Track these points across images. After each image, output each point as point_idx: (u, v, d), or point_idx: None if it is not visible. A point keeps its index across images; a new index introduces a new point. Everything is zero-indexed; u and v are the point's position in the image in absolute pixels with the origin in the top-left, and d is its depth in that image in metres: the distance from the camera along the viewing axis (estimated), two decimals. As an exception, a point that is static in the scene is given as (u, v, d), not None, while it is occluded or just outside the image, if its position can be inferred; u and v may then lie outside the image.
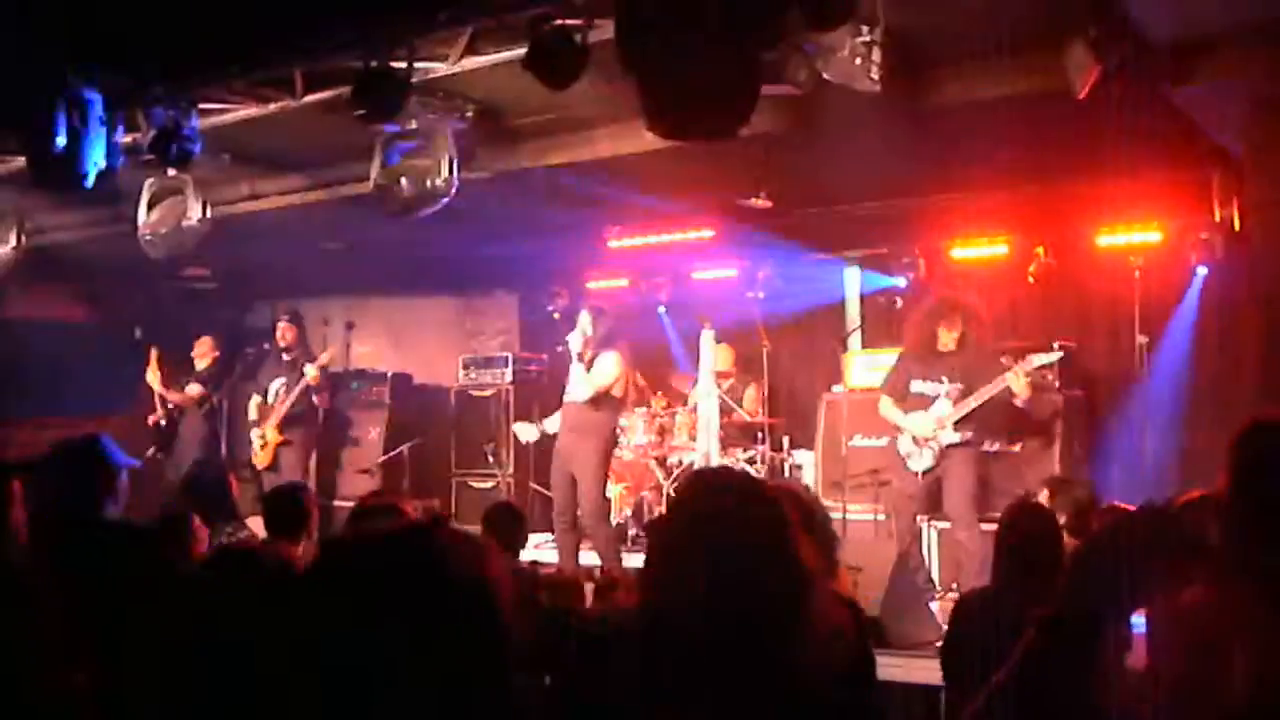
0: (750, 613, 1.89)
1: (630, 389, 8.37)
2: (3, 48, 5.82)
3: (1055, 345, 7.48)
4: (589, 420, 7.76)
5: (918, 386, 7.34)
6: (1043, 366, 7.27)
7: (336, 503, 10.32)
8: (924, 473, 7.25)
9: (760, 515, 2.01)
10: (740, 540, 1.96)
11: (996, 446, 8.13)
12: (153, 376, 10.22)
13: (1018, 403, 7.16)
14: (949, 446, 7.16)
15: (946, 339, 7.32)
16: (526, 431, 8.56)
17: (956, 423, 7.14)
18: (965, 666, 4.18)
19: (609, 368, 7.76)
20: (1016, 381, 7.00)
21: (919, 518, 7.54)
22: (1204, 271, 8.38)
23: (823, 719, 2.07)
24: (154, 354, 10.26)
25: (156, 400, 10.27)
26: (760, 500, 2.05)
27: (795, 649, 1.92)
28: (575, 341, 7.81)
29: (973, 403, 7.12)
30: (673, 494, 2.29)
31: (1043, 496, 5.88)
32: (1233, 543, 1.73)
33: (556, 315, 10.69)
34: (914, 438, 7.27)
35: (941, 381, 7.23)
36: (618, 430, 8.53)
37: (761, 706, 1.88)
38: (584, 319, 7.87)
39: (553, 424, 8.24)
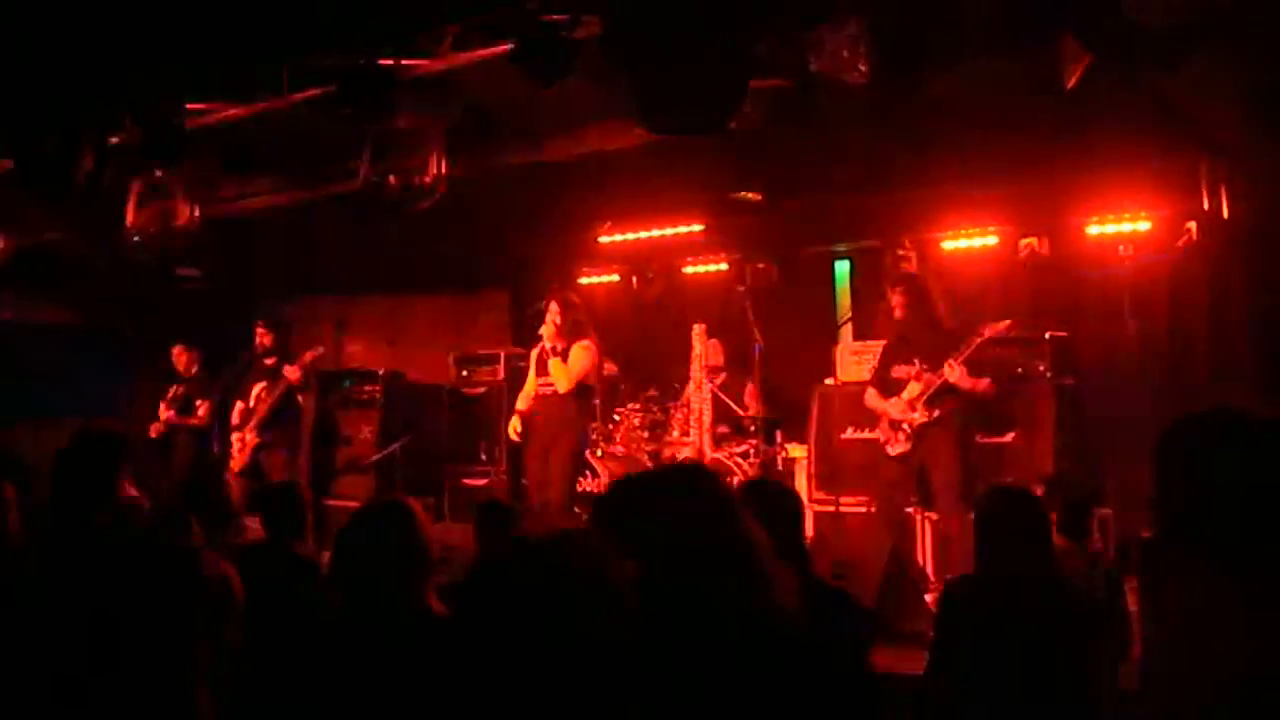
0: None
1: (601, 377, 8.67)
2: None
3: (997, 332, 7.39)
4: (565, 412, 7.93)
5: (895, 371, 7.50)
6: (977, 349, 7.20)
7: (330, 502, 10.29)
8: (902, 457, 7.34)
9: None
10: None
11: (987, 437, 8.16)
12: (167, 412, 10.18)
13: (968, 388, 7.20)
14: (922, 427, 7.25)
15: (897, 306, 7.42)
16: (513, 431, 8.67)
17: (926, 402, 7.23)
18: (953, 653, 4.19)
19: (584, 358, 7.93)
20: (951, 373, 7.10)
21: (909, 508, 7.58)
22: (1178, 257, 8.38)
23: (815, 704, 2.11)
24: (172, 391, 10.24)
25: (163, 422, 10.20)
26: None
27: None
28: (547, 333, 7.93)
29: (937, 380, 7.20)
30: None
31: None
32: None
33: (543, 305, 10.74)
34: (890, 422, 7.40)
35: (912, 363, 7.37)
36: (592, 421, 8.80)
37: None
38: (552, 310, 8.00)
39: (524, 403, 8.47)
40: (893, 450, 7.39)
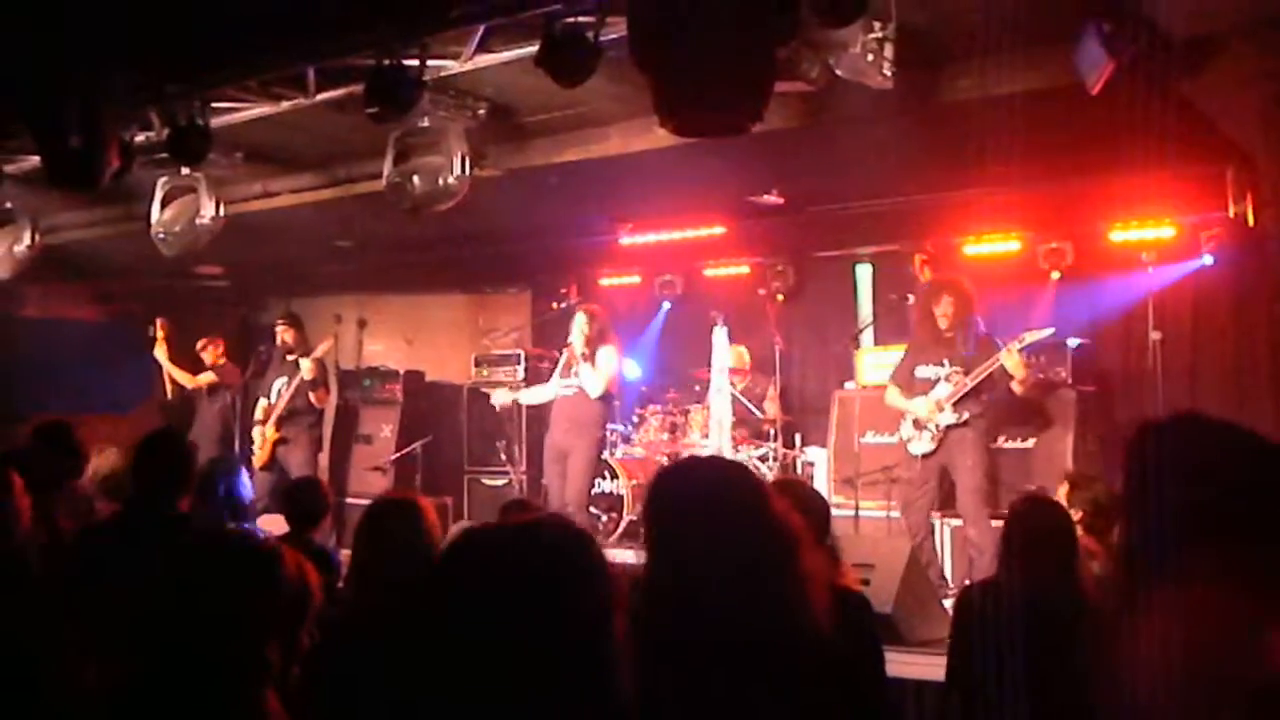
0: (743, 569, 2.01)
1: (623, 382, 8.94)
2: (17, 47, 5.85)
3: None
4: (586, 414, 8.10)
5: (921, 372, 7.52)
6: (1036, 342, 7.34)
7: (349, 500, 10.32)
8: (925, 456, 7.38)
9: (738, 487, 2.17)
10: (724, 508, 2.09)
11: (1008, 442, 8.15)
12: (160, 350, 10.28)
13: (1015, 386, 7.29)
14: (948, 428, 7.28)
15: (941, 318, 7.47)
16: (501, 396, 8.77)
17: (955, 403, 7.27)
18: (968, 658, 4.18)
19: (612, 362, 8.17)
20: (1010, 359, 7.14)
21: (931, 511, 7.58)
22: (1209, 260, 8.34)
23: (826, 696, 2.12)
24: (160, 329, 10.34)
25: (166, 379, 10.31)
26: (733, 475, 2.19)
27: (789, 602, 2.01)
28: (578, 343, 8.14)
29: (969, 382, 7.24)
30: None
31: (1061, 492, 5.82)
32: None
33: (562, 305, 10.80)
34: (914, 421, 7.43)
35: (942, 364, 7.40)
36: (610, 423, 8.96)
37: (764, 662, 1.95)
38: (580, 320, 8.25)
39: (529, 397, 8.77)
40: (916, 449, 7.42)
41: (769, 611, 2.00)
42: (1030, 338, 7.25)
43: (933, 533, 7.63)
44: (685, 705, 1.92)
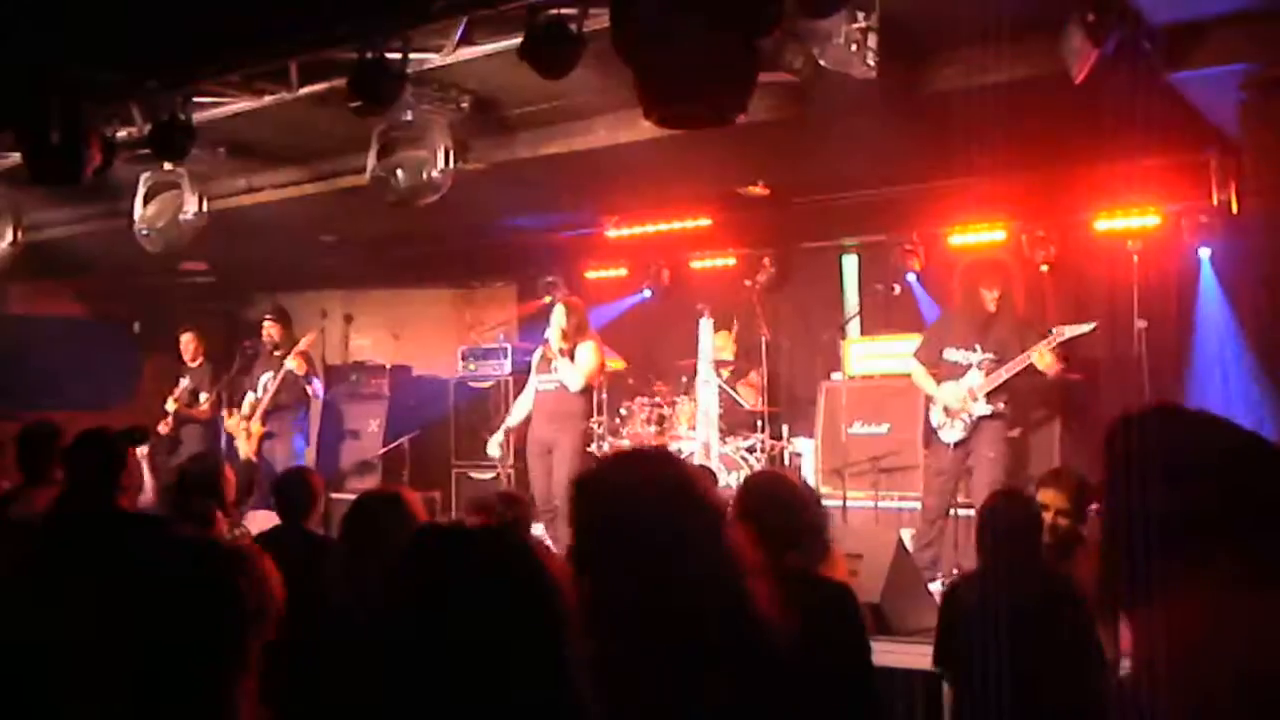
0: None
1: (603, 376, 8.86)
2: (-3, 42, 5.81)
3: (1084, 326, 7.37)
4: (569, 407, 8.06)
5: (951, 354, 7.36)
6: (1073, 339, 7.19)
7: (336, 495, 10.30)
8: (955, 444, 7.24)
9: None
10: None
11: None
12: (173, 405, 10.23)
13: (1048, 373, 7.17)
14: (980, 419, 7.18)
15: (988, 299, 7.31)
16: (494, 448, 8.61)
17: (989, 394, 7.17)
18: (956, 650, 4.22)
19: (592, 356, 8.10)
20: (1042, 359, 7.02)
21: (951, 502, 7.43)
22: (1208, 253, 8.35)
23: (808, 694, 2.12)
24: (181, 386, 10.30)
25: (171, 417, 10.25)
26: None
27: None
28: (555, 336, 8.10)
29: (1004, 374, 7.13)
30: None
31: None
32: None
33: (551, 298, 10.76)
34: (945, 408, 7.28)
35: (974, 349, 7.27)
36: (591, 416, 8.88)
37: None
38: (559, 313, 8.19)
39: (513, 420, 8.57)
40: (948, 436, 7.27)
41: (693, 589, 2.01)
42: (1069, 332, 7.13)
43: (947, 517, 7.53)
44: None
